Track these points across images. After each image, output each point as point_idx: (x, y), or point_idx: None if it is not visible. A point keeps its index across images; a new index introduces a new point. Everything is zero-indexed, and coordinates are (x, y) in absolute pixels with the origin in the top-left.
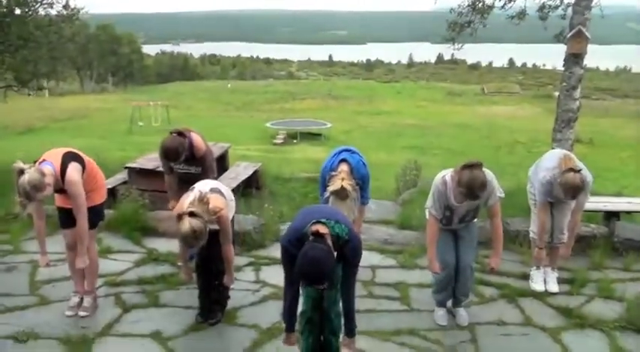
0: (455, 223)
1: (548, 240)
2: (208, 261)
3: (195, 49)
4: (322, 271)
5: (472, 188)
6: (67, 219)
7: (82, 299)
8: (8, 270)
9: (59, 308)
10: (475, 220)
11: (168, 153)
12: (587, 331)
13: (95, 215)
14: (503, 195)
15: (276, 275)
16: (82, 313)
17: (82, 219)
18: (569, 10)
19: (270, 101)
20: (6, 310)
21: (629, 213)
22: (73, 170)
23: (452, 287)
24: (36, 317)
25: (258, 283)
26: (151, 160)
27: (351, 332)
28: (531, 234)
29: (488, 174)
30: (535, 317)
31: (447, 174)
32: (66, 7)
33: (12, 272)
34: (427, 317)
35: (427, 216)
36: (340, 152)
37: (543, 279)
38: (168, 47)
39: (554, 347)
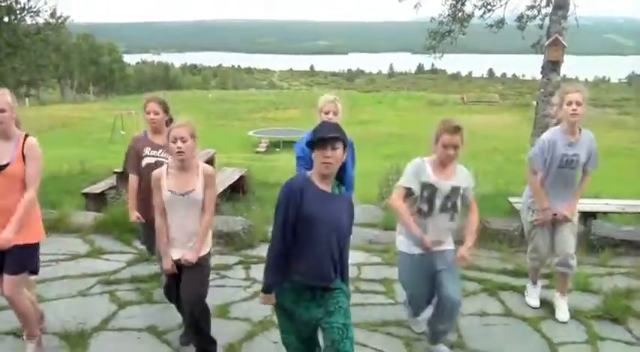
0: (436, 210)
1: (555, 264)
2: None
3: (177, 59)
4: (338, 127)
5: (449, 121)
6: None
7: (37, 341)
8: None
9: (55, 305)
10: (453, 247)
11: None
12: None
13: (29, 256)
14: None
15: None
16: None
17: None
18: (547, 20)
19: (252, 111)
20: (3, 308)
21: (605, 213)
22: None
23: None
24: None
25: (248, 280)
26: None
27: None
28: (528, 261)
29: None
30: (515, 308)
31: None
32: (53, 15)
33: None
34: None
35: (392, 197)
36: None
37: (539, 295)
38: (149, 57)
39: (534, 335)
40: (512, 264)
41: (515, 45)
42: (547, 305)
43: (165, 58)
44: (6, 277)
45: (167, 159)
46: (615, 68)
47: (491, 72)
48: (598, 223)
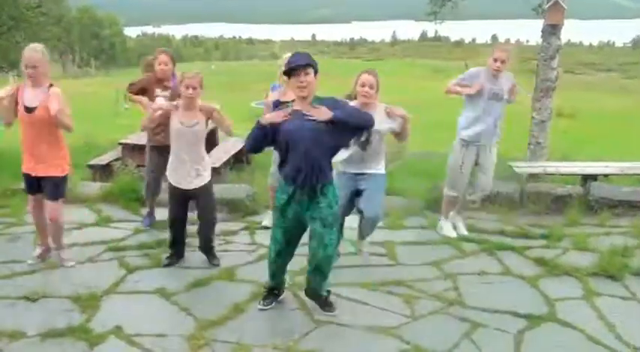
0: (354, 145)
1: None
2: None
3: (177, 31)
4: (308, 55)
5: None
6: (31, 184)
7: (44, 250)
8: (13, 240)
9: (65, 271)
10: (381, 172)
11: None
12: (563, 278)
13: (63, 184)
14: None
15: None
16: (68, 263)
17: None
18: None
19: (255, 81)
20: (15, 274)
21: (606, 176)
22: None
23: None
24: (44, 280)
25: (253, 245)
26: (143, 137)
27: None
28: (445, 191)
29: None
30: (514, 267)
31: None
32: None
33: (17, 241)
34: (412, 270)
35: None
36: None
37: (453, 226)
38: (149, 29)
39: (532, 292)
40: (511, 226)
41: (518, 10)
42: (545, 264)
43: (166, 30)
44: (49, 203)
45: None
46: (619, 32)
47: (494, 38)
48: (597, 185)
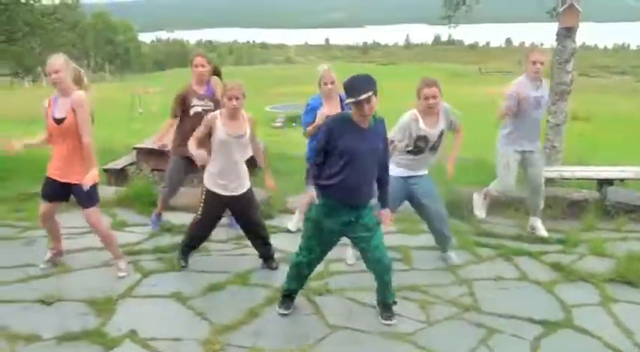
0: (427, 151)
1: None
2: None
3: (191, 36)
4: (368, 81)
5: (426, 78)
6: (54, 191)
7: (55, 254)
8: (28, 244)
9: (81, 275)
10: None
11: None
12: (579, 283)
13: (96, 192)
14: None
15: (284, 243)
16: (120, 274)
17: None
18: None
19: (269, 86)
20: (30, 278)
21: (622, 180)
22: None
23: None
24: (60, 284)
25: None
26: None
27: (385, 203)
28: (495, 192)
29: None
30: (530, 273)
31: (411, 110)
32: None
33: (32, 245)
34: (427, 275)
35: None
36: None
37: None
38: (163, 34)
39: (548, 298)
40: (527, 231)
41: (533, 13)
42: (561, 269)
43: (180, 35)
44: (86, 211)
45: (211, 106)
46: (635, 34)
47: (508, 41)
48: (613, 189)
